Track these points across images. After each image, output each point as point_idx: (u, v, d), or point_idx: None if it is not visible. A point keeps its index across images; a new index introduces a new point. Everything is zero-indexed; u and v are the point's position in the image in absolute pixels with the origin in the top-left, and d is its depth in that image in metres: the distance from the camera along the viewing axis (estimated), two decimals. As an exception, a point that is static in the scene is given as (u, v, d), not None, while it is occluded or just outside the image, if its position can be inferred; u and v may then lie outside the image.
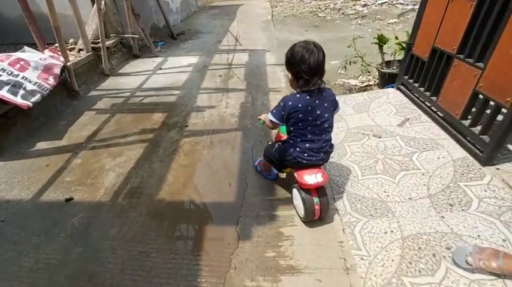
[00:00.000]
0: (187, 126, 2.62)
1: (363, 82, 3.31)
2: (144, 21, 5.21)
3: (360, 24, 6.53)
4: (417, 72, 2.35)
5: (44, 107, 2.77)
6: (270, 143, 1.83)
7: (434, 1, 2.10)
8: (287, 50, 1.41)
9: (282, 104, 1.42)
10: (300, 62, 1.31)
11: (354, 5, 8.08)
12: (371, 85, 3.23)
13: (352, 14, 7.24)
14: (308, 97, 1.35)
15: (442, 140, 1.99)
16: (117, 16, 4.35)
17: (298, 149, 1.45)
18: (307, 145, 1.43)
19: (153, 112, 2.88)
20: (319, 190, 1.48)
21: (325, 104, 1.38)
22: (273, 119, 1.46)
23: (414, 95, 2.44)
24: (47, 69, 2.75)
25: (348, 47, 3.00)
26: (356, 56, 3.09)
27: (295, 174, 1.51)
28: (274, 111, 1.46)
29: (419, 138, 2.05)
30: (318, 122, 1.38)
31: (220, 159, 2.15)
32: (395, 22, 6.26)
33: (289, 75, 1.40)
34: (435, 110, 2.14)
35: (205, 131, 2.53)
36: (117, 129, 2.63)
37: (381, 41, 3.03)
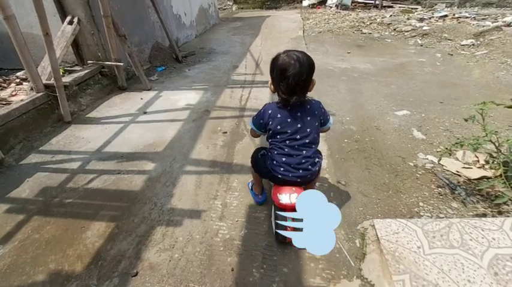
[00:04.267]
0: (135, 275, 1.32)
1: (469, 166, 1.84)
2: (143, 41, 4.11)
3: (421, 46, 4.99)
4: None
5: None
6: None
7: None
8: (273, 58, 1.28)
9: (262, 111, 1.36)
10: (280, 79, 1.22)
11: (408, 18, 6.52)
12: (489, 178, 1.75)
13: (408, 31, 5.70)
14: (289, 108, 1.28)
15: None
16: (97, 38, 3.24)
17: (274, 161, 1.33)
18: (284, 159, 1.31)
19: (93, 219, 1.63)
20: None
21: (308, 118, 1.29)
22: (252, 127, 1.41)
23: None
24: None
25: (466, 120, 1.54)
26: (477, 139, 1.53)
27: (272, 189, 1.41)
28: (255, 117, 1.39)
29: None
30: (298, 137, 1.28)
31: None
32: (473, 45, 4.65)
33: (271, 85, 1.31)
34: None
35: (166, 300, 1.22)
36: (13, 266, 1.40)
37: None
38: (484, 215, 1.52)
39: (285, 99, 1.24)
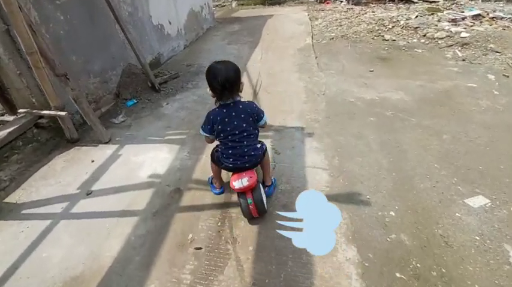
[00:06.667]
0: None
1: None
2: (109, 67, 3.21)
3: (463, 60, 3.93)
4: None
5: None
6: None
7: None
8: (207, 69, 1.54)
9: (206, 119, 1.62)
10: (212, 80, 1.50)
11: (439, 20, 5.42)
12: None
13: (443, 39, 4.62)
14: (225, 110, 1.55)
15: None
16: (28, 79, 2.32)
17: (224, 155, 1.63)
18: (231, 151, 1.60)
19: None
20: (253, 191, 1.59)
21: (242, 115, 1.56)
22: (203, 133, 1.66)
23: None
24: None
25: None
26: None
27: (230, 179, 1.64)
28: (203, 126, 1.65)
29: None
30: (237, 132, 1.56)
31: None
32: (535, 59, 3.58)
33: (209, 91, 1.56)
34: None
35: None
36: None
37: None
38: None
39: (219, 97, 1.54)
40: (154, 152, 2.40)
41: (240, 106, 1.56)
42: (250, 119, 1.58)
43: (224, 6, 11.12)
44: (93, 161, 2.33)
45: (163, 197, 1.92)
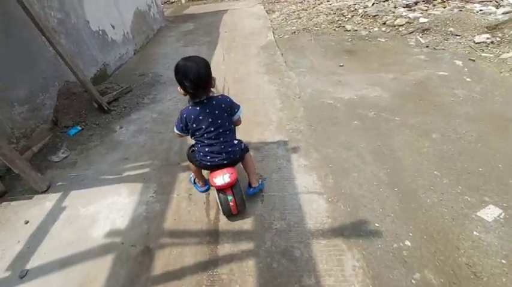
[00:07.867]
0: None
1: None
2: (40, 90, 2.62)
3: (427, 47, 3.92)
4: None
5: None
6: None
7: None
8: (175, 66, 1.42)
9: (180, 117, 1.54)
10: (183, 79, 1.38)
11: (395, 6, 5.43)
12: None
13: (402, 26, 4.60)
14: (198, 108, 1.47)
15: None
16: None
17: (201, 153, 1.57)
18: (207, 149, 1.54)
19: None
20: (233, 188, 1.56)
21: (216, 111, 1.48)
22: (177, 132, 1.59)
23: None
24: None
25: None
26: None
27: (209, 176, 1.62)
28: (176, 124, 1.57)
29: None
30: (212, 129, 1.49)
31: None
32: (492, 42, 3.67)
33: (180, 90, 1.45)
34: None
35: None
36: None
37: None
38: None
39: (192, 93, 1.42)
40: (111, 198, 1.92)
41: (214, 102, 1.49)
42: (225, 114, 1.52)
43: (173, 2, 10.32)
44: (27, 223, 1.79)
45: (128, 264, 1.49)
